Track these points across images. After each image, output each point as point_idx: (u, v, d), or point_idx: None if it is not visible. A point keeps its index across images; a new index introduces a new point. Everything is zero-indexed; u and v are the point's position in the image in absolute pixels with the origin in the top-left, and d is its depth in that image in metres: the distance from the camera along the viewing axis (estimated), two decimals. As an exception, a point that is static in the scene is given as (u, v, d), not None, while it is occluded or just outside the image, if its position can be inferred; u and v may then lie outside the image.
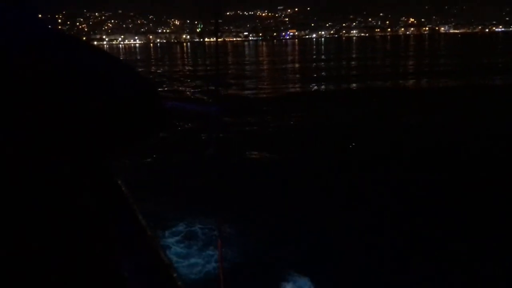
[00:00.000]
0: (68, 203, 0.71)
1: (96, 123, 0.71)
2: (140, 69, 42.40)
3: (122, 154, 0.83)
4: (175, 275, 1.41)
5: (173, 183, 8.46)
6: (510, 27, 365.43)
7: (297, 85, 26.30)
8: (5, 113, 0.63)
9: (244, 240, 6.10)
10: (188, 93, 23.58)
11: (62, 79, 0.68)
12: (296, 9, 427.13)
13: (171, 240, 6.28)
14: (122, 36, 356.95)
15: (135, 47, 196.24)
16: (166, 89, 25.58)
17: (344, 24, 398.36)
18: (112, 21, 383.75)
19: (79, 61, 0.71)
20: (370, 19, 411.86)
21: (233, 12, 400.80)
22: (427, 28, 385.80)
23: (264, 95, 21.91)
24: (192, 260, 5.82)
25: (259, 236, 6.33)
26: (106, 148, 0.77)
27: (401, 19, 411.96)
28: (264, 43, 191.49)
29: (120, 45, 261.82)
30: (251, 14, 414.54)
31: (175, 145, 11.05)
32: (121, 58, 0.80)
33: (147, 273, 1.38)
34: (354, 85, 25.09)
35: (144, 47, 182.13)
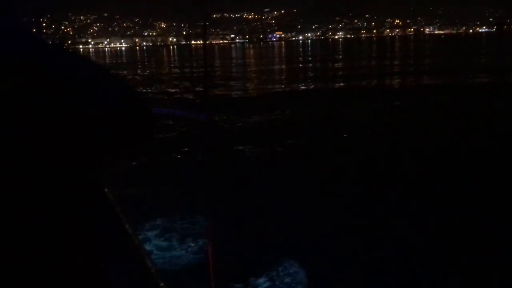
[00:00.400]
0: (55, 211, 0.70)
1: (83, 132, 0.70)
2: (127, 72, 42.38)
3: (111, 162, 0.83)
4: (162, 284, 1.40)
5: (160, 181, 8.45)
6: (493, 28, 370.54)
7: (279, 86, 26.84)
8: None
9: (233, 234, 5.99)
10: (177, 95, 23.86)
11: (48, 88, 0.67)
12: (283, 11, 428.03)
13: (150, 234, 6.33)
14: (108, 40, 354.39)
15: (121, 50, 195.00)
16: (154, 90, 25.81)
17: (330, 26, 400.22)
18: (98, 24, 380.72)
19: (66, 71, 0.71)
20: (356, 21, 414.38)
21: (219, 15, 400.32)
22: (412, 29, 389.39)
23: (248, 95, 22.83)
24: (174, 253, 5.83)
25: (246, 227, 6.35)
26: (93, 157, 0.75)
27: (387, 20, 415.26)
28: (250, 45, 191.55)
29: (106, 49, 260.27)
30: (237, 16, 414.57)
31: (167, 148, 10.99)
32: (107, 67, 0.78)
33: (134, 281, 1.36)
34: (332, 85, 26.14)
35: (130, 50, 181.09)
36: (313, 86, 26.49)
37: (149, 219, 6.74)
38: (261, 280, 5.19)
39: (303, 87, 25.85)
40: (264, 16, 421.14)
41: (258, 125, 14.67)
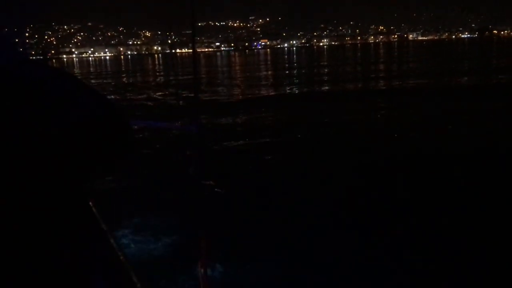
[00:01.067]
0: (37, 225, 0.70)
1: (61, 147, 0.69)
2: (112, 81, 42.15)
3: (92, 177, 0.82)
4: None
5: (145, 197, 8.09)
6: (475, 34, 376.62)
7: (263, 91, 27.28)
8: None
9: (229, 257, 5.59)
10: (162, 100, 24.53)
11: (24, 102, 0.67)
12: (268, 19, 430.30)
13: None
14: (92, 49, 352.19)
15: (105, 59, 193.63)
16: (140, 97, 26.39)
17: (315, 33, 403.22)
18: (82, 33, 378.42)
19: (42, 84, 0.70)
20: (340, 28, 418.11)
21: (204, 23, 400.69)
22: (396, 36, 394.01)
23: (233, 99, 23.64)
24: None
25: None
26: (72, 172, 0.75)
27: (371, 27, 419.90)
28: (236, 53, 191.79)
29: (90, 58, 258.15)
30: (223, 24, 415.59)
31: (155, 162, 10.63)
32: (83, 81, 0.78)
33: None
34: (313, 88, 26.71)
35: (115, 59, 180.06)
36: (297, 91, 26.82)
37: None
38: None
39: (288, 91, 26.27)
40: (250, 24, 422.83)
41: (242, 125, 15.37)
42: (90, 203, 1.53)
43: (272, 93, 25.78)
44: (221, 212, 6.85)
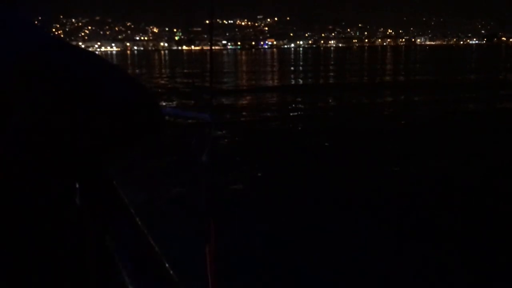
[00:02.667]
0: (66, 205, 0.73)
1: (96, 128, 0.71)
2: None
3: (119, 156, 0.85)
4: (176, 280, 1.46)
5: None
6: (484, 40, 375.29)
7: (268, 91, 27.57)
8: (5, 117, 0.64)
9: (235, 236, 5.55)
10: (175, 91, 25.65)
11: (61, 85, 0.68)
12: (276, 19, 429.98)
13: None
14: (99, 43, 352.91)
15: (111, 54, 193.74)
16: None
17: (322, 35, 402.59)
18: (89, 27, 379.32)
19: (78, 68, 0.72)
20: (348, 30, 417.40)
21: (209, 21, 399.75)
22: (403, 40, 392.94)
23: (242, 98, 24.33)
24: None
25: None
26: (103, 151, 0.78)
27: (380, 30, 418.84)
28: (243, 52, 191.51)
29: (97, 52, 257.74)
30: (230, 23, 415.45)
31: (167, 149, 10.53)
32: (116, 65, 0.81)
33: (147, 279, 1.39)
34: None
35: (121, 54, 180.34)
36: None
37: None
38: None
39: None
40: (257, 23, 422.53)
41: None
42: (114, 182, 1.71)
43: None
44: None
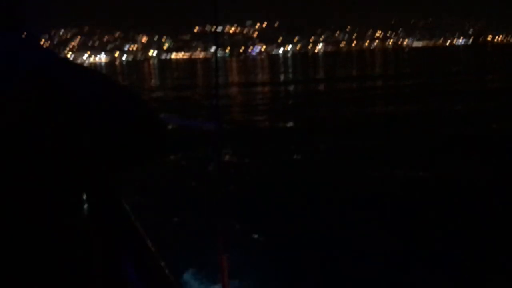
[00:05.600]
0: (73, 216, 0.74)
1: (100, 147, 0.72)
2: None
3: (125, 173, 0.86)
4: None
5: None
6: (470, 40, 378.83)
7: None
8: (9, 137, 0.65)
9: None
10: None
11: (64, 104, 0.69)
12: (265, 24, 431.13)
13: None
14: (88, 54, 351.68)
15: (100, 64, 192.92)
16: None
17: (311, 39, 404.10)
18: (78, 38, 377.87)
19: (81, 87, 0.72)
20: (338, 32, 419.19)
21: (201, 28, 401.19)
22: (390, 42, 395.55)
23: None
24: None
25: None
26: (109, 170, 0.79)
27: (368, 33, 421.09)
28: (232, 58, 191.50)
29: (86, 63, 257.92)
30: (220, 29, 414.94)
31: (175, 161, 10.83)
32: (118, 81, 0.77)
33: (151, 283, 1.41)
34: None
35: (110, 64, 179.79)
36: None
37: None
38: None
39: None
40: (247, 29, 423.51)
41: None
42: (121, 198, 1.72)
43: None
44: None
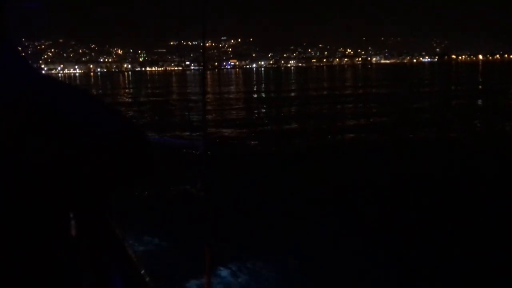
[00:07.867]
0: (59, 231, 0.73)
1: (84, 167, 0.70)
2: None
3: (112, 194, 0.84)
4: None
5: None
6: (435, 58, 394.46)
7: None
8: None
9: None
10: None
11: (48, 123, 0.67)
12: (239, 40, 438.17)
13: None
14: (62, 66, 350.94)
15: (74, 76, 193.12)
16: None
17: (285, 55, 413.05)
18: (52, 50, 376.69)
19: (65, 105, 0.70)
20: (309, 50, 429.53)
21: (176, 42, 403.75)
22: (360, 59, 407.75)
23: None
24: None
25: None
26: (96, 190, 0.77)
27: (339, 50, 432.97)
28: (207, 72, 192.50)
29: (59, 75, 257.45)
30: (195, 44, 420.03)
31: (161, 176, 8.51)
32: (103, 100, 0.77)
33: None
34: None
35: (84, 76, 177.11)
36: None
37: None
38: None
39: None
40: (221, 44, 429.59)
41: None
42: (107, 216, 1.88)
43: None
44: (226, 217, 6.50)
